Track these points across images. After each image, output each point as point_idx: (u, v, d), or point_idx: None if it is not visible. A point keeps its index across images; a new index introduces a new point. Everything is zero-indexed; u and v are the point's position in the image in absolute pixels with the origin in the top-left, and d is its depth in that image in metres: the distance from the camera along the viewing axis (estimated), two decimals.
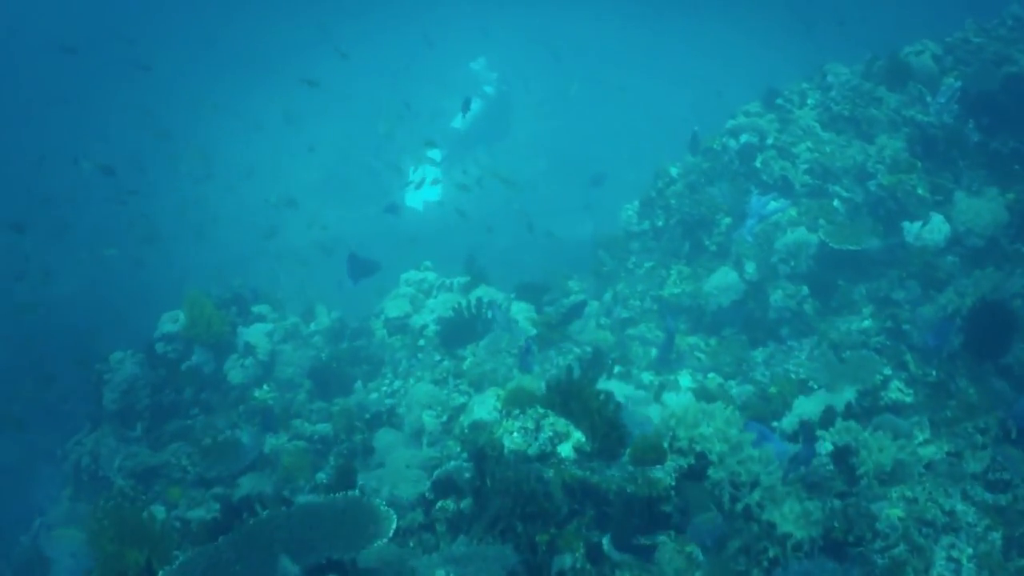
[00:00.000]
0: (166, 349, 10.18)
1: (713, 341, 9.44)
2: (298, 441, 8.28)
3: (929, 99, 10.25)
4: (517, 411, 5.39)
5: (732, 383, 8.54)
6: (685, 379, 8.58)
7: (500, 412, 5.53)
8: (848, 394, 6.73)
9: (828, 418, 6.26)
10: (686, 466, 5.38)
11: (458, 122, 18.58)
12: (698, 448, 5.44)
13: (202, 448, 9.31)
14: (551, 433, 5.24)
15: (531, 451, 5.16)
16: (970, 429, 7.23)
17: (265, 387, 9.82)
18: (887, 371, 7.61)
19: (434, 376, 7.95)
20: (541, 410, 5.36)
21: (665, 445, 5.44)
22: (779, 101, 10.88)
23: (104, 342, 14.53)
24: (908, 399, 7.47)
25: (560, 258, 15.11)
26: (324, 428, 8.43)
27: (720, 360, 9.00)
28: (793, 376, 7.81)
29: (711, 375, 8.74)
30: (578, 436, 5.28)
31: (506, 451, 5.15)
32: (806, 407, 6.52)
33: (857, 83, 10.51)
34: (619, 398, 6.70)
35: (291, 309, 11.41)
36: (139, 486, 8.49)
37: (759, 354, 9.20)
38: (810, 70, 11.51)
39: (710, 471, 5.38)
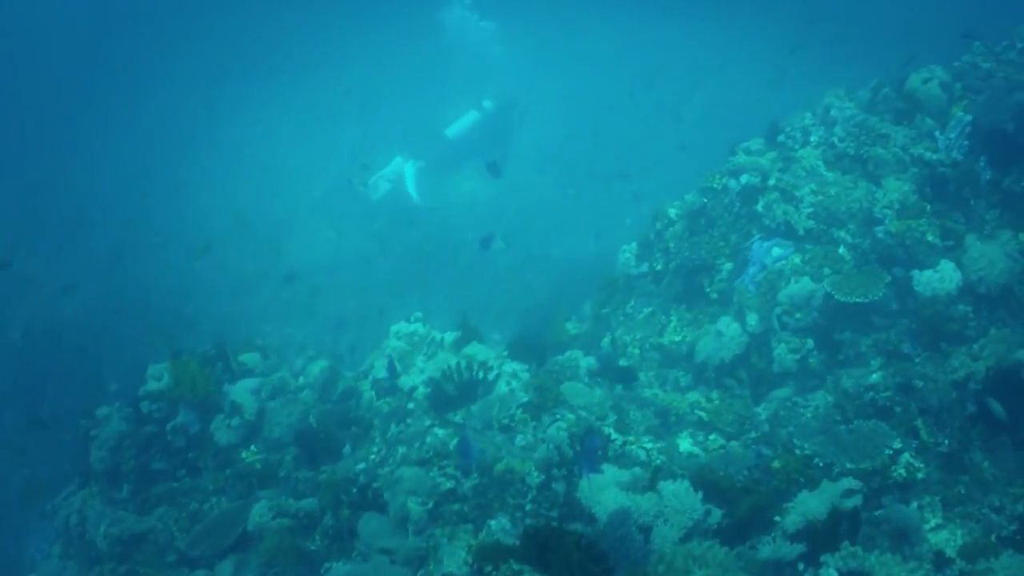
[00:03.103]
0: (151, 408, 9.91)
1: (715, 396, 9.06)
2: (283, 519, 7.98)
3: (938, 134, 9.80)
4: (489, 567, 5.03)
5: (735, 444, 8.20)
6: (685, 442, 8.25)
7: (471, 567, 5.15)
8: (856, 492, 6.32)
9: (833, 523, 5.88)
10: None
11: (451, 131, 18.09)
12: None
13: (188, 514, 9.11)
14: None
15: None
16: (984, 509, 6.92)
17: (252, 448, 9.54)
18: (896, 444, 7.24)
19: (420, 455, 7.59)
20: (516, 566, 5.00)
21: None
22: (781, 138, 10.40)
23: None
24: (919, 475, 7.10)
25: (564, 282, 14.74)
26: (310, 504, 8.13)
27: (722, 419, 8.63)
28: (798, 452, 7.42)
29: (712, 436, 8.41)
30: None
31: None
32: (810, 504, 6.13)
33: (862, 118, 10.01)
34: (612, 488, 6.39)
35: (280, 355, 11.11)
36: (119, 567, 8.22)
37: (763, 411, 8.81)
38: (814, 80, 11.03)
39: None
